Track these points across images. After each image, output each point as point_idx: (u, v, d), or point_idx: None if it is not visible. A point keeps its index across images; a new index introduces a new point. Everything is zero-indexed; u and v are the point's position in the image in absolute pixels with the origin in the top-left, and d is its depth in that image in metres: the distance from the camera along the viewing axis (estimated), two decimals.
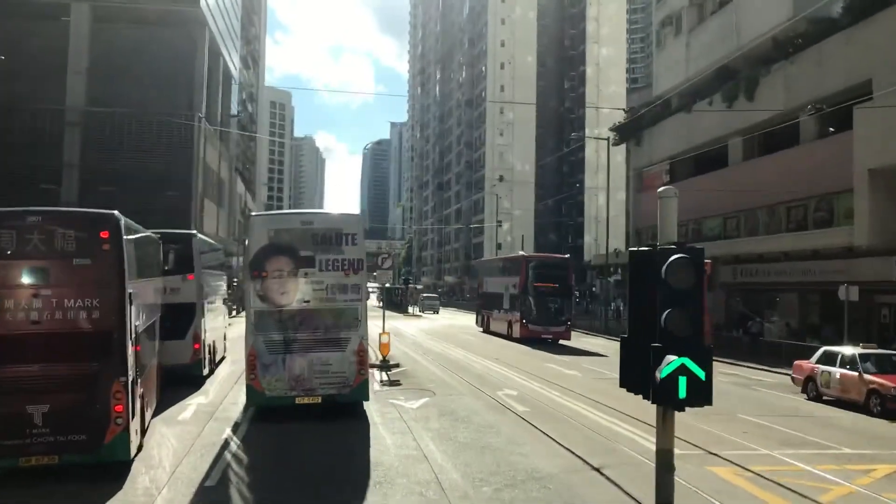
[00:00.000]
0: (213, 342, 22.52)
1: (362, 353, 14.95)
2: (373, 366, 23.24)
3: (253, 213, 19.21)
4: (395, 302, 73.02)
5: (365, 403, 15.87)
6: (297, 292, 14.42)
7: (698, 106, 39.48)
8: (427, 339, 35.76)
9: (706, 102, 38.53)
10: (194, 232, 20.43)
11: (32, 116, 54.82)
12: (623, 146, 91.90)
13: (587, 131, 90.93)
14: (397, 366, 23.62)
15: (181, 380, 18.79)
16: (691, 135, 40.16)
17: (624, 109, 60.31)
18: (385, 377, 21.29)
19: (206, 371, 20.41)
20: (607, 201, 52.10)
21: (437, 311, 66.32)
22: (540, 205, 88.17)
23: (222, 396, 17.83)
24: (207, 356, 21.06)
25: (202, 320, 20.09)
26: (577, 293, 37.73)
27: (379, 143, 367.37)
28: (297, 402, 14.39)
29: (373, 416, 15.20)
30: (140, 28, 55.66)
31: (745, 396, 19.94)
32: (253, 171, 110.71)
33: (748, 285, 35.12)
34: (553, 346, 33.42)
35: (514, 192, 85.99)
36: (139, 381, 11.56)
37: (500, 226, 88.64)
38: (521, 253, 46.10)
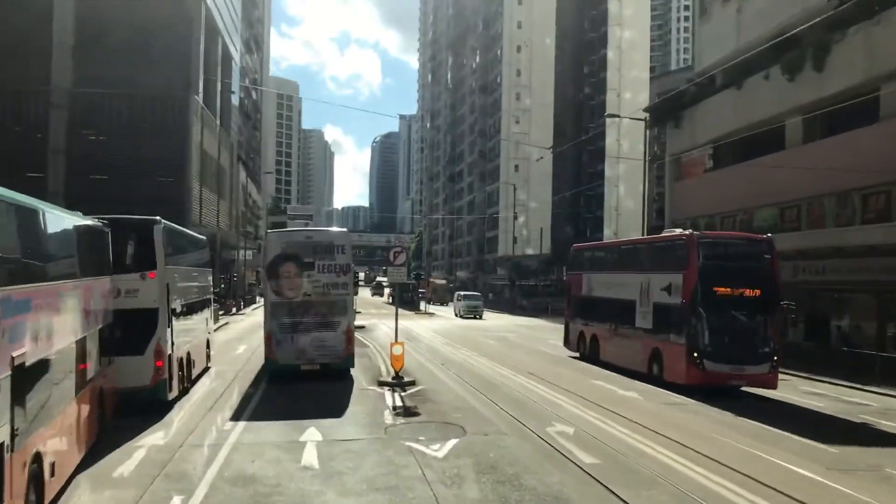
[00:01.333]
0: (188, 354, 18.29)
1: (349, 332, 20.04)
2: (384, 384, 18.90)
3: (269, 231, 25.89)
4: (406, 299, 68.73)
5: (376, 452, 11.73)
6: (301, 288, 19.54)
7: (751, 81, 34.94)
8: (444, 345, 31.47)
9: (761, 76, 33.99)
10: (156, 218, 16.12)
11: (14, 99, 50.89)
12: (643, 134, 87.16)
13: (608, 119, 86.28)
14: (413, 384, 19.28)
15: (139, 407, 14.65)
16: (741, 114, 35.62)
17: (659, 95, 55.72)
18: (399, 402, 16.95)
19: (173, 393, 16.19)
20: (644, 189, 47.22)
21: (480, 316, 53.19)
22: (556, 197, 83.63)
23: (188, 431, 13.61)
24: (177, 374, 16.84)
25: (168, 330, 15.84)
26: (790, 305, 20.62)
27: (388, 135, 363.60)
28: (302, 368, 19.55)
29: (385, 473, 10.84)
30: (131, 1, 51.47)
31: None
32: (257, 161, 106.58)
33: (811, 285, 30.56)
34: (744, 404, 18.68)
35: (530, 184, 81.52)
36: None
37: (517, 218, 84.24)
38: (682, 231, 23.84)
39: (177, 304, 16.81)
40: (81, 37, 51.35)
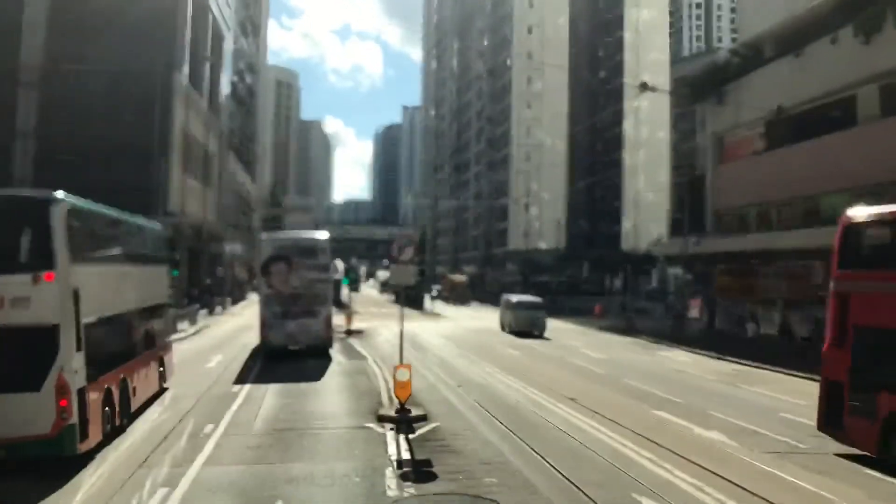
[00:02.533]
0: (123, 381, 13.52)
1: (328, 319, 25.09)
2: (385, 419, 14.10)
3: (262, 235, 32.75)
4: (410, 297, 63.71)
5: None
6: (290, 283, 24.07)
7: (814, 47, 30.02)
8: (458, 356, 26.65)
9: (827, 41, 29.08)
10: (53, 195, 11.18)
11: None
12: (667, 118, 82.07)
13: (625, 104, 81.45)
14: (424, 419, 14.44)
15: (36, 466, 10.03)
16: (801, 86, 30.75)
17: (677, 81, 50.70)
18: (406, 452, 12.10)
19: (90, 442, 11.44)
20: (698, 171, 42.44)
21: (542, 332, 34.47)
22: (570, 187, 78.76)
23: None
24: (100, 412, 12.06)
25: (76, 355, 11.05)
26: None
27: (390, 127, 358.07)
28: (289, 347, 23.97)
29: None
30: None
31: None
32: (252, 149, 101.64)
33: None
34: None
35: (542, 172, 76.70)
36: None
37: (528, 210, 79.31)
38: None
39: (94, 317, 11.96)
40: (54, 8, 46.73)
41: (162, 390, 17.14)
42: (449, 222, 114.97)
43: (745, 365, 25.86)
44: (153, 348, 16.79)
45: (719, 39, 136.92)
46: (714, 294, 35.19)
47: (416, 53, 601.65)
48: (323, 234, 28.30)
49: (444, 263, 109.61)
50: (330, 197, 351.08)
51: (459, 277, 73.46)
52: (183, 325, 33.45)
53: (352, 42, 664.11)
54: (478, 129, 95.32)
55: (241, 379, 19.57)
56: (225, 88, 76.77)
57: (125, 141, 47.14)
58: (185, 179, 51.76)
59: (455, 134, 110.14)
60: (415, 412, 14.52)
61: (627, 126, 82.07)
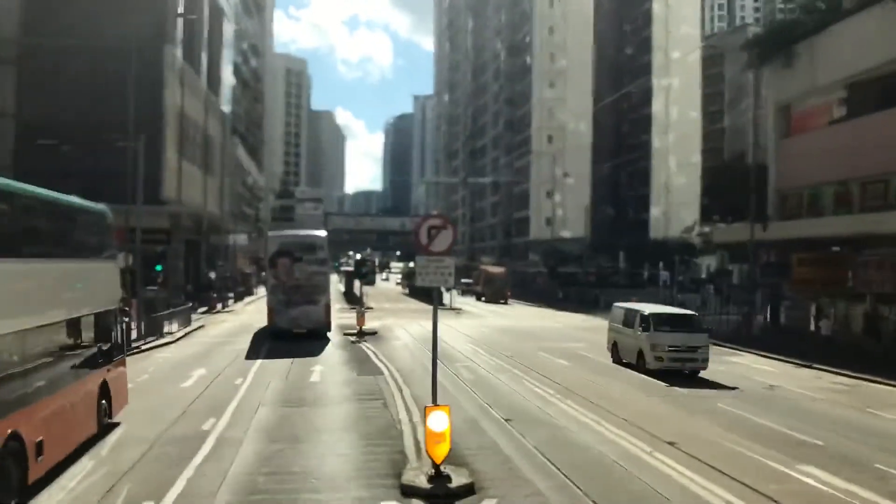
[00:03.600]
0: (15, 438, 8.84)
1: (327, 307, 28.27)
2: (412, 491, 9.24)
3: (270, 233, 37.58)
4: (427, 291, 58.63)
5: None
6: (292, 273, 27.31)
7: None
8: (496, 369, 21.89)
9: None
10: None
11: None
12: (698, 97, 76.72)
13: (654, 82, 76.17)
14: (470, 490, 9.60)
15: None
16: (891, 42, 25.63)
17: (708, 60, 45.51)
18: None
19: None
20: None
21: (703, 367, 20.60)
22: (596, 172, 73.68)
23: None
24: None
25: None
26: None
27: (401, 117, 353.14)
28: (294, 331, 26.79)
29: None
30: None
31: None
32: (259, 137, 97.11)
33: None
34: None
35: (566, 156, 71.68)
36: None
37: (551, 196, 74.31)
38: None
39: None
40: None
41: (104, 429, 12.48)
42: (464, 210, 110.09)
43: (848, 376, 21.03)
44: (90, 372, 12.12)
45: (742, 19, 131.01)
46: (790, 287, 30.14)
47: (427, 42, 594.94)
48: (322, 233, 32.94)
49: (458, 254, 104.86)
50: (342, 188, 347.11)
51: (496, 269, 61.05)
52: (172, 326, 28.92)
53: (360, 32, 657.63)
54: (495, 112, 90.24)
55: (219, 407, 14.89)
56: (227, 70, 72.16)
57: (111, 120, 42.68)
58: (182, 164, 47.24)
59: (470, 118, 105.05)
60: (456, 478, 9.72)
61: (656, 106, 76.76)
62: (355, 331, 28.81)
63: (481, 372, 20.06)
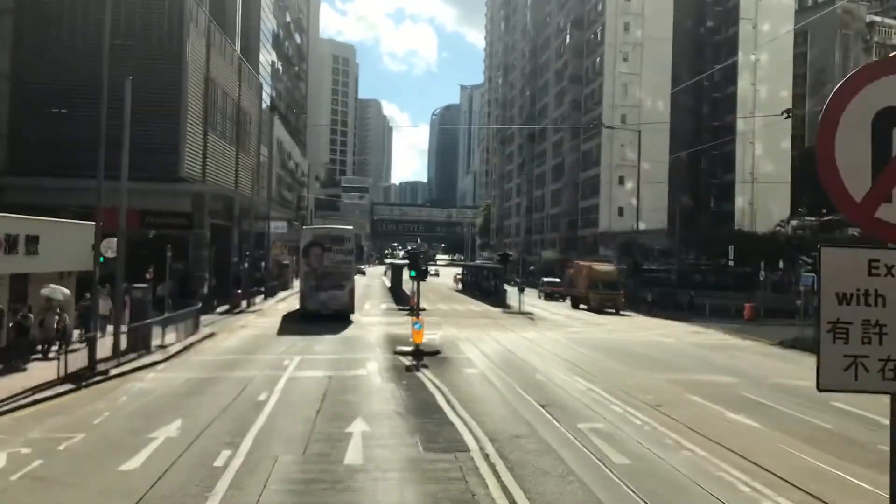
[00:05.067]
0: None
1: (351, 291, 32.19)
2: None
3: (304, 227, 43.30)
4: (485, 288, 51.48)
5: None
6: (323, 262, 31.54)
7: None
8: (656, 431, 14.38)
9: None
10: None
11: None
12: (789, 74, 67.48)
13: (741, 57, 67.22)
14: None
15: None
16: None
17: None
18: None
19: None
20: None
21: None
22: (673, 156, 65.18)
23: None
24: None
25: None
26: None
27: (447, 108, 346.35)
28: (322, 312, 30.74)
29: None
30: None
31: None
32: (302, 118, 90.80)
33: None
34: None
35: (642, 139, 63.24)
36: None
37: (623, 183, 66.08)
38: None
39: None
40: None
41: None
42: (520, 200, 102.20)
43: None
44: None
45: None
46: None
47: (472, 34, 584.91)
48: (349, 227, 37.61)
49: (512, 247, 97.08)
50: (388, 180, 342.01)
51: (603, 266, 45.87)
52: (168, 336, 22.17)
53: (406, 25, 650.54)
54: (558, 91, 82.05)
55: None
56: (266, 41, 65.77)
57: (123, 83, 36.38)
58: (208, 137, 40.75)
59: (528, 100, 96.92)
60: None
61: (742, 84, 67.83)
62: (410, 348, 21.61)
63: (631, 445, 11.94)
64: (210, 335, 25.87)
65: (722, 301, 41.10)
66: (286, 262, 58.48)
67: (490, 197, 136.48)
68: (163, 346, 21.66)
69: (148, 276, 23.41)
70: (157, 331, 21.62)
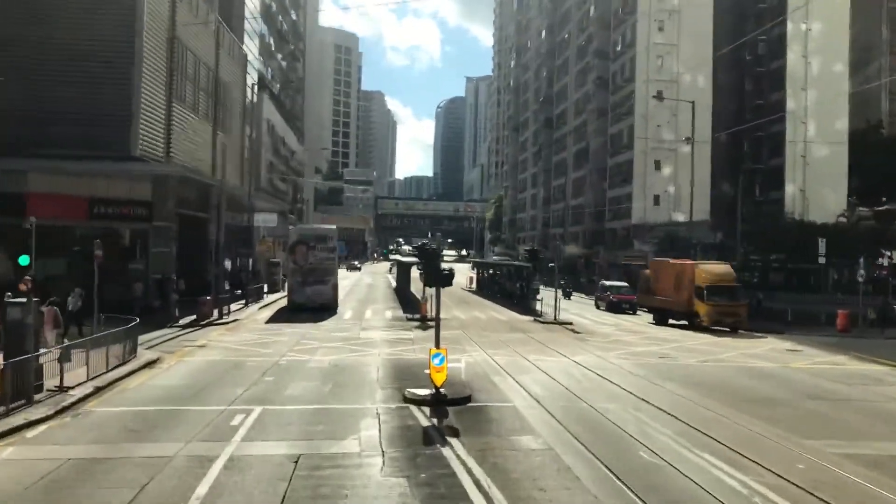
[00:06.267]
0: None
1: (334, 286, 35.17)
2: None
3: (291, 227, 45.02)
4: (507, 291, 43.96)
5: None
6: (308, 259, 34.14)
7: None
8: None
9: None
10: None
11: None
12: (845, 45, 59.97)
13: (789, 26, 59.67)
14: None
15: None
16: None
17: None
18: None
19: None
20: None
21: None
22: (715, 136, 57.65)
23: None
24: None
25: None
26: None
27: (453, 100, 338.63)
28: (309, 305, 33.06)
29: None
30: None
31: None
32: (298, 102, 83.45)
33: None
34: None
35: (678, 119, 55.95)
36: None
37: (660, 168, 58.64)
38: None
39: None
40: None
41: None
42: (536, 191, 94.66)
43: None
44: None
45: None
46: None
47: (476, 28, 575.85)
48: (332, 226, 40.98)
49: (527, 241, 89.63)
50: (392, 174, 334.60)
51: (715, 267, 32.89)
52: (79, 371, 15.00)
53: (408, 20, 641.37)
54: (580, 69, 74.45)
55: None
56: (255, 11, 58.40)
57: (68, 39, 29.24)
58: (174, 108, 33.52)
59: (545, 81, 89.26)
60: None
61: (792, 56, 60.25)
62: (427, 393, 14.35)
63: None
64: (150, 363, 18.63)
65: (801, 306, 33.69)
66: (276, 259, 51.26)
67: (501, 188, 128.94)
68: (62, 389, 14.52)
69: (25, 284, 16.08)
70: (60, 365, 14.56)
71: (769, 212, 59.25)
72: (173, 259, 33.11)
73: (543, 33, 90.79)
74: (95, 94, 29.48)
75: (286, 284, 37.21)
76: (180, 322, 28.22)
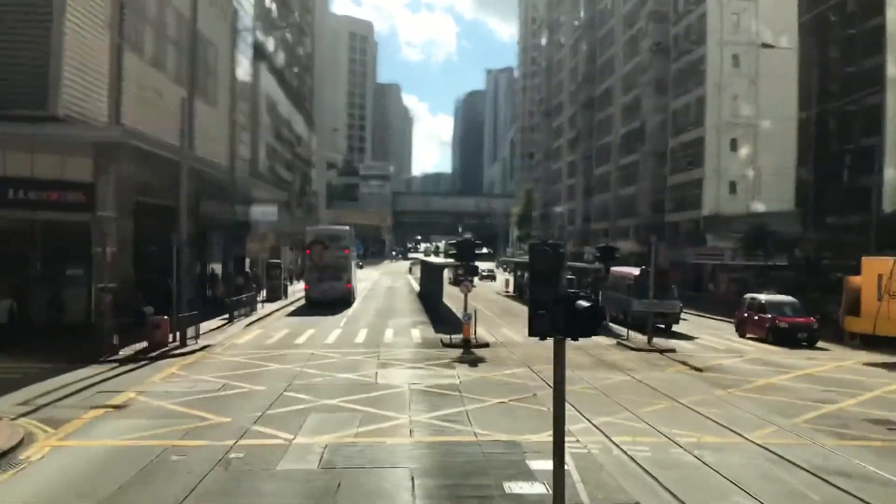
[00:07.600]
0: None
1: (349, 282, 37.81)
2: None
3: (308, 228, 43.16)
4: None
5: None
6: (323, 257, 36.53)
7: None
8: None
9: None
10: None
11: None
12: None
13: None
14: None
15: None
16: None
17: None
18: None
19: None
20: None
21: None
22: (803, 114, 48.08)
23: None
24: None
25: None
26: None
27: (472, 94, 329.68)
28: (324, 299, 35.41)
29: None
30: None
31: None
32: (307, 83, 74.73)
33: None
34: None
35: (758, 89, 46.53)
36: None
37: (737, 149, 49.06)
38: None
39: None
40: None
41: None
42: (574, 181, 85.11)
43: None
44: None
45: None
46: None
47: (493, 21, 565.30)
48: (346, 227, 42.49)
49: (560, 237, 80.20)
50: (409, 171, 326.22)
51: None
52: None
53: (422, 14, 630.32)
54: (629, 38, 64.93)
55: None
56: None
57: None
58: (126, 59, 24.75)
59: (584, 58, 79.68)
60: None
61: (892, 14, 50.36)
62: None
63: None
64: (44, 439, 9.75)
65: None
66: (277, 260, 42.51)
67: (530, 182, 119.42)
68: None
69: None
70: None
71: (859, 200, 49.47)
72: (128, 263, 24.44)
73: (582, 2, 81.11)
74: (5, 33, 20.82)
75: (303, 282, 39.05)
76: (120, 353, 19.48)
